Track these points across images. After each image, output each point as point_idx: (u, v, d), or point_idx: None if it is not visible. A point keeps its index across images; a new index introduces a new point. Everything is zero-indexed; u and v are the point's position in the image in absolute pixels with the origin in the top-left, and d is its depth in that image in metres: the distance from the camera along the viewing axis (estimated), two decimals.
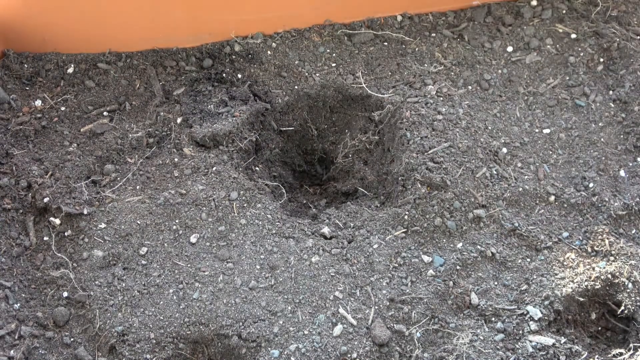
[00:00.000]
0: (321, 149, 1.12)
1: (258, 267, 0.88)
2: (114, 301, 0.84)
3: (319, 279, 0.87)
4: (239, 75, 1.08)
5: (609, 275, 0.89)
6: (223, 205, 0.92)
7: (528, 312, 0.86)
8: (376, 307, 0.85)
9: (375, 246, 0.90)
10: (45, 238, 0.90)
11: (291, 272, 0.87)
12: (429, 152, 0.98)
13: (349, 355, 0.81)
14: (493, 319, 0.86)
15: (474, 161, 0.98)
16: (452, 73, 1.10)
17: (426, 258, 0.90)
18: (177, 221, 0.91)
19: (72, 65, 1.05)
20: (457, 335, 0.83)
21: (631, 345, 0.86)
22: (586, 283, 0.88)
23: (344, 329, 0.83)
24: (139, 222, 0.90)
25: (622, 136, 1.06)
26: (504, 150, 1.02)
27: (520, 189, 0.97)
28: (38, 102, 1.01)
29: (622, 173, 1.01)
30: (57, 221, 0.90)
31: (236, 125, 1.00)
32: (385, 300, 0.85)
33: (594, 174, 1.00)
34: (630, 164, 1.03)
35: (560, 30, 1.14)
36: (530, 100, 1.09)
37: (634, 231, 0.96)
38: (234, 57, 1.09)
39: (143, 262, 0.87)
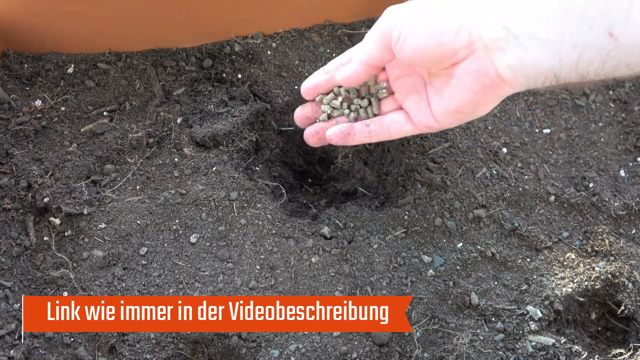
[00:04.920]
0: (321, 149, 1.12)
1: (258, 267, 0.88)
2: None
3: (319, 279, 0.87)
4: (239, 75, 1.08)
5: (609, 275, 0.89)
6: (223, 205, 0.92)
7: (528, 312, 0.86)
8: None
9: (375, 246, 0.90)
10: (45, 238, 0.90)
11: (291, 272, 0.87)
12: (429, 152, 0.98)
13: (349, 355, 0.81)
14: (493, 319, 0.86)
15: (474, 161, 0.98)
16: None
17: (426, 258, 0.90)
18: (177, 221, 0.91)
19: (72, 65, 1.04)
20: (457, 335, 0.83)
21: (631, 345, 0.86)
22: (586, 283, 0.88)
23: None
24: (139, 222, 0.90)
25: (622, 136, 1.06)
26: (504, 150, 1.02)
27: (520, 189, 0.97)
28: (38, 102, 1.01)
29: (622, 173, 1.01)
30: (57, 221, 0.90)
31: (236, 125, 0.99)
32: None
33: (594, 174, 1.01)
34: (630, 164, 1.03)
35: None
36: (530, 100, 1.09)
37: (634, 231, 0.96)
38: (234, 57, 1.09)
39: (143, 262, 0.87)
